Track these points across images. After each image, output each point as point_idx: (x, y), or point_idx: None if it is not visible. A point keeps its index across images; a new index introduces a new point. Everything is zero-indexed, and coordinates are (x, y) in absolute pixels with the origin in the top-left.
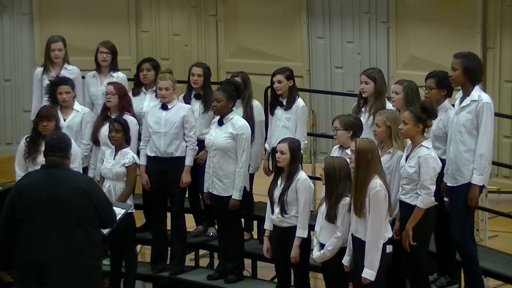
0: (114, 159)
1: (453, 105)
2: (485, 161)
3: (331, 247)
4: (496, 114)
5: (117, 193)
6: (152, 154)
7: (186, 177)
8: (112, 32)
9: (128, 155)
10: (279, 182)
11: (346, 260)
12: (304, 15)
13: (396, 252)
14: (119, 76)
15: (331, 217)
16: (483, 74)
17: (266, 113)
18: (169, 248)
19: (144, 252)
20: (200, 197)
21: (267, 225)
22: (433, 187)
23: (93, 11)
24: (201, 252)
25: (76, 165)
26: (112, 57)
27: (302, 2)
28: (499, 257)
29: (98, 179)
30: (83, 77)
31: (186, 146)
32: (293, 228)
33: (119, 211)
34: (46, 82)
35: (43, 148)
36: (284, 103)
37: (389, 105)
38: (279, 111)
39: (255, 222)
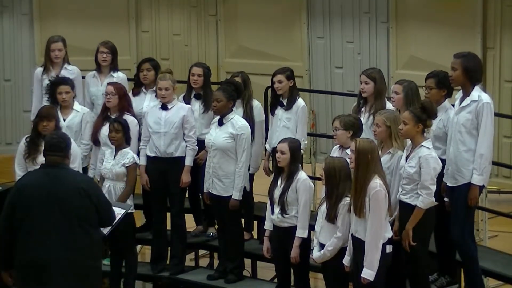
0: (114, 159)
1: (453, 105)
2: (485, 161)
3: (331, 247)
4: (496, 114)
5: (117, 193)
6: (152, 154)
7: (186, 177)
8: (112, 32)
9: (128, 155)
10: (279, 182)
11: (346, 260)
12: (304, 15)
13: (396, 252)
14: (119, 76)
15: (331, 217)
16: (483, 74)
17: (266, 113)
18: (169, 248)
19: (144, 252)
20: (200, 197)
21: (267, 225)
22: (434, 187)
23: (93, 11)
24: (201, 252)
25: (76, 165)
26: (112, 57)
27: (302, 2)
28: (499, 257)
29: (98, 179)
30: (83, 77)
31: (186, 146)
32: (293, 228)
33: (119, 211)
34: (46, 82)
35: (43, 148)
36: (285, 103)
37: (389, 105)
38: (279, 111)
39: (255, 222)
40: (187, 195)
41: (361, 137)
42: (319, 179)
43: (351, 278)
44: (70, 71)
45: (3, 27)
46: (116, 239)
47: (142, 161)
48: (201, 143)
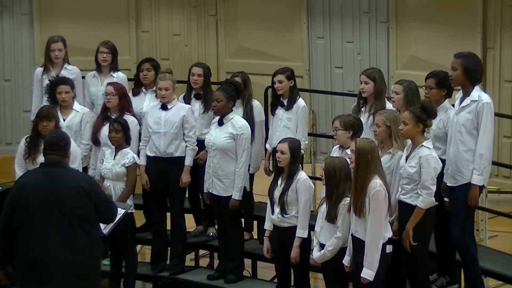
0: (114, 159)
1: (453, 105)
2: (485, 161)
3: (331, 247)
4: (496, 114)
5: (117, 193)
6: (152, 154)
7: (185, 177)
8: (112, 32)
9: (128, 155)
10: (279, 182)
11: (346, 260)
12: (304, 15)
13: (396, 252)
14: (119, 76)
15: (331, 218)
16: (483, 74)
17: (266, 113)
18: (169, 248)
19: (144, 252)
20: (200, 197)
21: (267, 225)
22: (434, 187)
23: (93, 11)
24: (201, 252)
25: (76, 165)
26: (112, 57)
27: (302, 2)
28: (499, 257)
29: (98, 179)
30: (83, 77)
31: (186, 146)
32: (293, 228)
33: (119, 211)
34: (46, 82)
35: (43, 148)
36: (285, 103)
37: (389, 105)
38: (280, 111)
39: (255, 222)
40: (187, 195)
41: (361, 137)
42: (319, 179)
43: (351, 278)
44: (70, 71)
45: (3, 27)
46: (116, 239)
47: (142, 161)
48: (201, 143)
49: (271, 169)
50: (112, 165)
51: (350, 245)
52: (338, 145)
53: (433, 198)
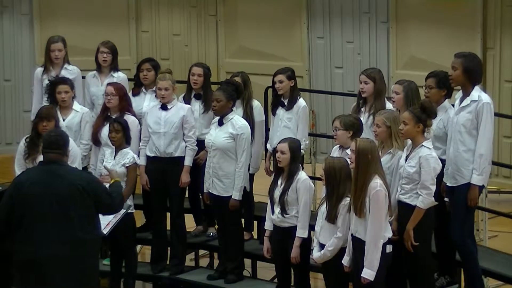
0: (114, 159)
1: (453, 105)
2: (484, 161)
3: (331, 247)
4: (496, 114)
5: None
6: (151, 154)
7: (185, 177)
8: (112, 32)
9: (128, 155)
10: (279, 182)
11: (346, 260)
12: (304, 15)
13: (396, 252)
14: (120, 76)
15: (331, 218)
16: (483, 74)
17: (266, 113)
18: (169, 248)
19: (144, 252)
20: (200, 197)
21: (267, 225)
22: (434, 187)
23: (93, 11)
24: (201, 252)
25: (76, 165)
26: (113, 57)
27: (302, 2)
28: (499, 257)
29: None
30: (83, 77)
31: (186, 146)
32: (294, 228)
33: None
34: (46, 82)
35: None
36: (286, 103)
37: (389, 105)
38: (280, 111)
39: (255, 222)
40: (187, 195)
41: (361, 137)
42: (319, 179)
43: (351, 278)
44: (70, 71)
45: (3, 27)
46: (116, 239)
47: (142, 161)
48: (201, 143)
49: (272, 169)
50: (112, 165)
51: (349, 245)
52: (338, 145)
53: (433, 198)
